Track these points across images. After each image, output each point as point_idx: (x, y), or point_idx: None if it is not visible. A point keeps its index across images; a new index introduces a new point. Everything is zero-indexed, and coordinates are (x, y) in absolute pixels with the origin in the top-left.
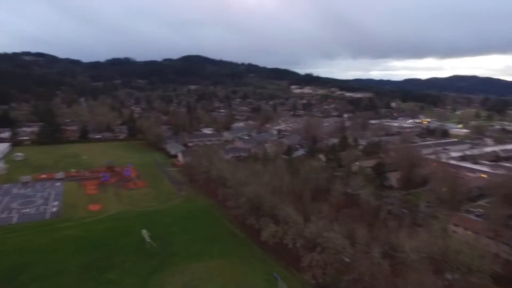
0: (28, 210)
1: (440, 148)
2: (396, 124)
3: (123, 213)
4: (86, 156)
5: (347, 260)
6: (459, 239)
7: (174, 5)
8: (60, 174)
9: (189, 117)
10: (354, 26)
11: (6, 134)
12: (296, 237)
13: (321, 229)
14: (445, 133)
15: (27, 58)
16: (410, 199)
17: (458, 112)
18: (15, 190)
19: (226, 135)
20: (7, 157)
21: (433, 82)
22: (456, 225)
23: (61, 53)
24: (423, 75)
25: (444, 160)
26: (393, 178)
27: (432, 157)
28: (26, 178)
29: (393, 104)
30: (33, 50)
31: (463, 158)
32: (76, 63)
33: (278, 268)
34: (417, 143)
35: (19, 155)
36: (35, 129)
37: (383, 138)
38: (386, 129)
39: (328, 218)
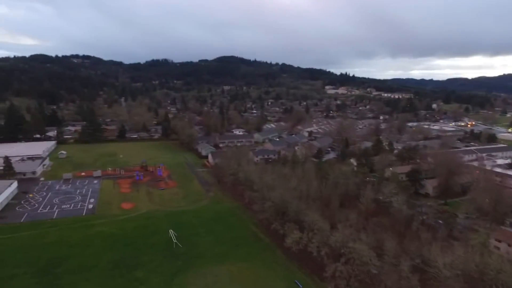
0: (67, 206)
1: (484, 154)
2: (436, 127)
3: (153, 212)
4: (122, 155)
5: (373, 272)
6: (501, 255)
7: (210, 7)
8: (98, 172)
9: (220, 118)
10: (393, 23)
11: (52, 133)
12: (320, 245)
13: (348, 238)
14: (492, 138)
15: (75, 60)
16: (447, 210)
17: (508, 115)
18: (57, 186)
19: (257, 136)
20: (52, 154)
21: (481, 82)
22: (498, 240)
23: (105, 55)
24: (470, 74)
25: (488, 168)
26: (429, 185)
27: (475, 164)
28: (67, 175)
29: (434, 106)
30: (81, 53)
31: (511, 166)
32: (118, 64)
33: (300, 275)
34: (458, 148)
35: (62, 153)
36: (78, 128)
37: (421, 142)
38: (425, 133)
39: (356, 226)
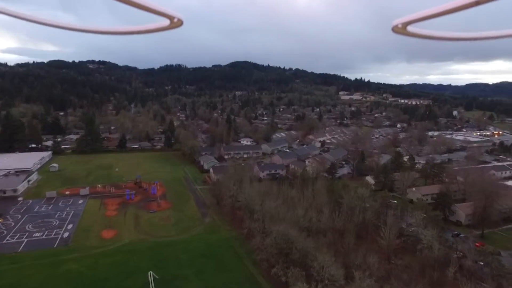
0: (39, 234)
1: None
2: (460, 138)
3: (136, 244)
4: (118, 168)
5: None
6: None
7: (224, 11)
8: (85, 190)
9: (227, 126)
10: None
11: (51, 142)
12: None
13: None
14: None
15: (91, 66)
16: (486, 246)
17: None
18: (37, 207)
19: (265, 147)
20: (44, 167)
21: (503, 87)
22: None
23: (120, 61)
24: (490, 79)
25: None
26: (462, 212)
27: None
28: (51, 193)
29: (455, 113)
30: (98, 58)
31: None
32: (133, 70)
33: None
34: (488, 163)
35: (54, 166)
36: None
37: (445, 155)
38: (448, 144)
39: (377, 273)
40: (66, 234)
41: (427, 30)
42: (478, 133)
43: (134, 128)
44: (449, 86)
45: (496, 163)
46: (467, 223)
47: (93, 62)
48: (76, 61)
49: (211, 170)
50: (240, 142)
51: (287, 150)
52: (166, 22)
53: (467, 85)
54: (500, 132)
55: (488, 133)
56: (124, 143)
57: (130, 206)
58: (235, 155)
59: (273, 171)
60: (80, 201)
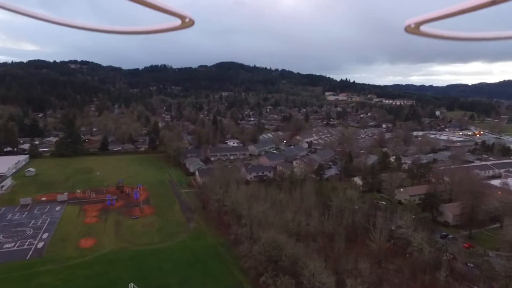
0: (11, 244)
1: (503, 170)
2: (443, 137)
3: (117, 253)
4: (100, 171)
5: None
6: None
7: (209, 11)
8: (63, 196)
9: (214, 127)
10: (392, 29)
11: (27, 145)
12: None
13: None
14: (506, 150)
15: (73, 66)
16: (476, 248)
17: None
18: (9, 215)
19: (252, 148)
20: (19, 172)
21: (481, 88)
22: None
23: (104, 61)
24: (470, 80)
25: None
26: (449, 213)
27: (496, 183)
28: (25, 200)
29: (437, 113)
30: (80, 58)
31: None
32: (117, 70)
33: None
34: (472, 162)
35: (30, 170)
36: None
37: (430, 155)
38: (433, 143)
39: (368, 278)
40: (40, 244)
41: (440, 30)
42: (461, 133)
43: (117, 129)
44: (431, 86)
45: (479, 163)
46: (454, 224)
47: (75, 62)
48: (58, 61)
49: (196, 172)
50: (226, 143)
51: (275, 151)
52: (177, 22)
53: (448, 85)
54: (481, 132)
55: (470, 133)
56: (106, 145)
57: (111, 212)
58: (221, 156)
59: (260, 173)
60: (58, 208)
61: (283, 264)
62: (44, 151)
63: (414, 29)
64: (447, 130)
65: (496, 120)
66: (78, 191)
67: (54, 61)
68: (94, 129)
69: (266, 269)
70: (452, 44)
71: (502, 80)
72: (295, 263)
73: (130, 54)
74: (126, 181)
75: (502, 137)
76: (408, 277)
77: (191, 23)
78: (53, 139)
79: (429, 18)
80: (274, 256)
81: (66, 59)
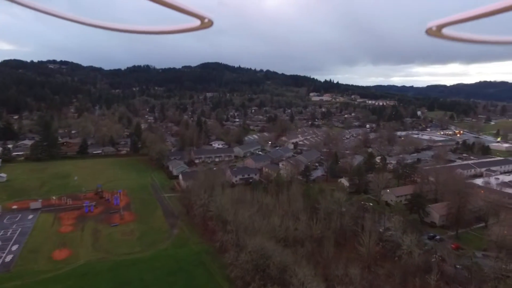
0: None
1: (483, 169)
2: (426, 137)
3: (94, 265)
4: (78, 176)
5: None
6: None
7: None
8: (37, 204)
9: (198, 129)
10: (374, 31)
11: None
12: None
13: None
14: (486, 150)
15: (51, 66)
16: (465, 250)
17: (492, 123)
18: None
19: (237, 150)
20: None
21: (459, 89)
22: None
23: (84, 61)
24: (448, 81)
25: (496, 188)
26: (436, 213)
27: (479, 182)
28: None
29: (419, 113)
30: (60, 58)
31: None
32: (98, 70)
33: None
34: (454, 161)
35: (2, 175)
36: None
37: (414, 154)
38: (416, 143)
39: (359, 284)
40: (9, 257)
41: (464, 33)
42: (442, 132)
43: (97, 131)
44: (412, 87)
45: (461, 162)
46: (441, 224)
47: (54, 62)
48: (35, 60)
49: (180, 176)
50: (211, 145)
51: (260, 153)
52: (196, 22)
53: (428, 86)
54: (461, 131)
55: (450, 132)
56: (85, 148)
57: (89, 220)
58: (206, 159)
59: (246, 176)
60: (30, 217)
61: (271, 273)
62: (18, 155)
63: (435, 32)
64: (428, 129)
65: (474, 120)
66: (54, 197)
67: (32, 61)
68: (73, 132)
69: (253, 279)
70: (431, 45)
71: (478, 81)
72: (284, 271)
73: (111, 54)
74: (105, 186)
75: (480, 136)
76: (399, 281)
77: (210, 23)
78: (28, 142)
79: (451, 20)
80: (262, 264)
81: (44, 59)
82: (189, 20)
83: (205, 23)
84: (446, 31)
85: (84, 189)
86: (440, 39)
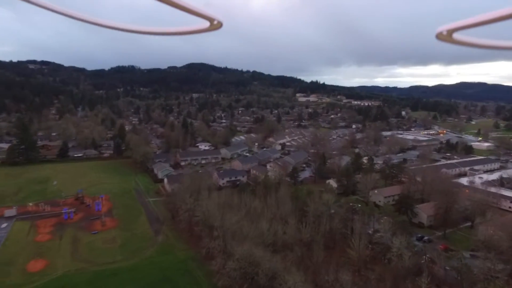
0: None
1: (467, 168)
2: (410, 137)
3: (72, 276)
4: (57, 181)
5: None
6: None
7: (179, 13)
8: (11, 211)
9: (184, 130)
10: (358, 33)
11: None
12: None
13: None
14: (469, 149)
15: (31, 66)
16: (449, 247)
17: (473, 122)
18: None
19: (224, 152)
20: None
21: (440, 89)
22: None
23: (67, 61)
24: (429, 82)
25: (481, 187)
26: (424, 214)
27: (464, 182)
28: None
29: (403, 113)
30: (40, 58)
31: (501, 183)
32: (80, 71)
33: None
34: (438, 161)
35: None
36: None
37: (400, 154)
38: (401, 143)
39: None
40: None
41: (475, 38)
42: (426, 132)
43: (78, 134)
44: (395, 88)
45: (445, 161)
46: (429, 224)
47: (34, 62)
48: (14, 60)
49: (165, 179)
50: (197, 147)
51: (248, 154)
52: (205, 24)
53: (410, 87)
54: (444, 131)
55: (434, 132)
56: (66, 151)
57: (68, 227)
58: (192, 161)
59: (233, 178)
60: (4, 225)
61: (260, 281)
62: None
63: (446, 37)
64: (413, 129)
65: (456, 120)
66: (30, 204)
67: (11, 61)
68: (53, 134)
69: (241, 287)
70: (412, 47)
71: (458, 82)
72: (273, 278)
73: (95, 54)
74: (87, 190)
75: (462, 136)
76: (390, 286)
77: (219, 25)
78: (5, 146)
79: (462, 25)
80: (250, 272)
81: (24, 59)
82: (189, 20)
83: (215, 25)
84: (456, 36)
85: (63, 195)
86: (451, 44)
